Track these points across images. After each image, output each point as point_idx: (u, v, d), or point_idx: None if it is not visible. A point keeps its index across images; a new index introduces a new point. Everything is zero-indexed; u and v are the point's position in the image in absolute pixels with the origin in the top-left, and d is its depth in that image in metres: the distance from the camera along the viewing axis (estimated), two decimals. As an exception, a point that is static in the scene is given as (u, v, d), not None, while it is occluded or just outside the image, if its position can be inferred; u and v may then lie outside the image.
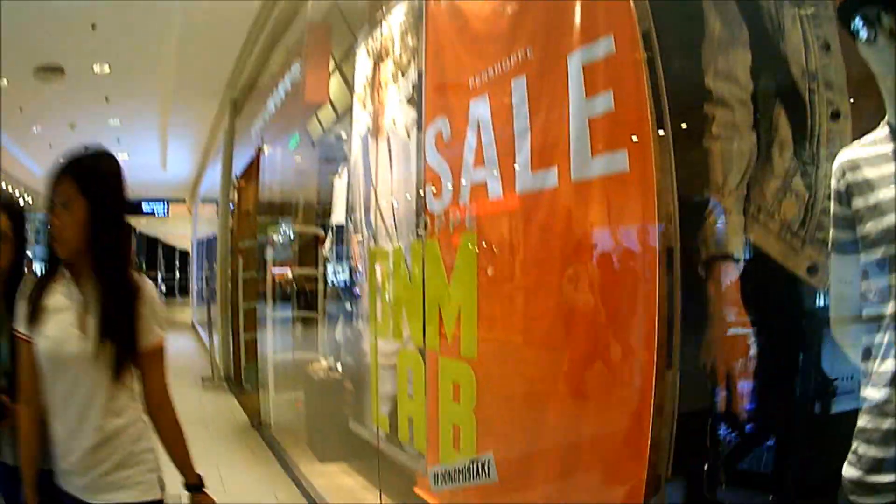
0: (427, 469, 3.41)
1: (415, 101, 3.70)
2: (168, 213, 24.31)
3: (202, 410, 8.66)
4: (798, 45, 2.27)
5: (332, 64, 5.67)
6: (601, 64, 2.24)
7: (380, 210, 4.22)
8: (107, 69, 10.08)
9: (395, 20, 4.13)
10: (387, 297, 4.05)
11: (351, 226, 5.08)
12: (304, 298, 7.15)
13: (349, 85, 5.48)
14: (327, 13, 5.75)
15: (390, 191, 4.08)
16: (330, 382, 5.84)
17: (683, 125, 2.25)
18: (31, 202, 22.33)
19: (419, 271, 3.39)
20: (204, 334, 16.09)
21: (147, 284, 2.20)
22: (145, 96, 11.92)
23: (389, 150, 4.08)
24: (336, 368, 5.85)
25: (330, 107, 5.93)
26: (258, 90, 9.04)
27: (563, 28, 2.44)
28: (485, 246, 2.85)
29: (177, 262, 52.91)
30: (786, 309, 2.39)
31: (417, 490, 3.66)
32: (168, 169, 18.28)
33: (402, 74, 3.93)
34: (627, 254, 2.24)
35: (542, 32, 2.58)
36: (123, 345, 2.07)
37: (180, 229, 33.80)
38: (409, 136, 3.79)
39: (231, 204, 10.43)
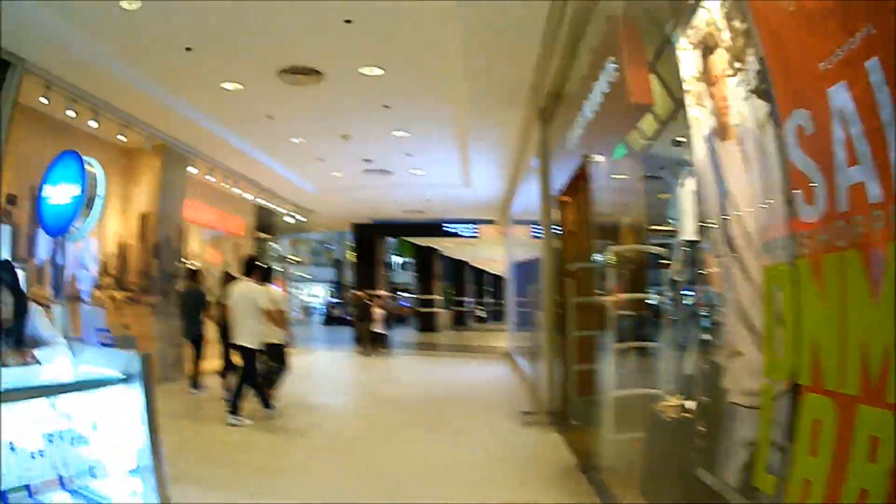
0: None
1: (762, 91, 3.52)
2: (476, 234, 25.42)
3: (521, 449, 8.62)
4: None
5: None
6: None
7: (739, 221, 4.03)
8: (377, 72, 10.27)
9: (713, 2, 4.02)
10: (768, 323, 3.68)
11: (705, 242, 4.82)
12: (645, 325, 7.03)
13: (667, 85, 5.38)
14: (626, 7, 5.62)
15: (750, 197, 3.86)
16: (676, 422, 5.52)
17: None
18: (303, 221, 24.23)
19: (818, 294, 3.08)
20: (523, 364, 16.59)
21: None
22: (435, 105, 11.96)
23: (743, 151, 3.90)
24: (686, 407, 5.68)
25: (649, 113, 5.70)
26: (567, 96, 8.95)
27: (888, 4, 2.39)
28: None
29: (486, 287, 55.11)
30: None
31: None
32: (473, 187, 18.70)
33: (740, 63, 3.76)
34: None
35: (875, 7, 2.50)
36: None
37: (490, 252, 35.12)
38: (763, 133, 3.60)
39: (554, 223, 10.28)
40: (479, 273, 52.20)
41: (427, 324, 35.76)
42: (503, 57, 9.20)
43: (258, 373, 10.12)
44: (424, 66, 10.09)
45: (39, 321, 4.20)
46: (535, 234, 13.55)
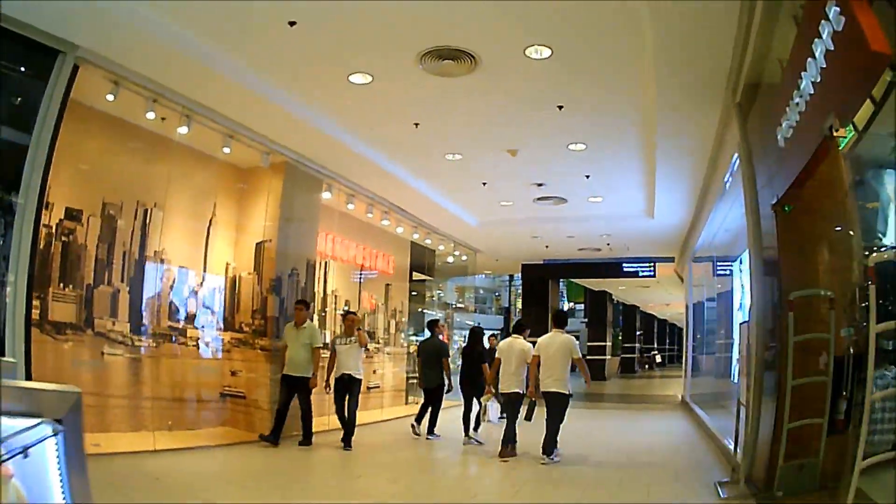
0: None
1: None
2: (653, 274, 23.06)
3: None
4: None
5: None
6: None
7: None
8: (545, 53, 8.01)
9: None
10: None
11: None
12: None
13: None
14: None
15: None
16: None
17: None
18: (464, 261, 21.71)
19: None
20: (705, 416, 14.67)
21: None
22: (617, 103, 9.65)
23: None
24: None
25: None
26: (767, 85, 7.46)
27: None
28: None
29: (656, 333, 52.44)
30: None
31: None
32: (656, 218, 16.09)
33: None
34: None
35: None
36: None
37: (663, 295, 32.80)
38: None
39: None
40: (649, 318, 50.09)
41: (595, 372, 33.21)
42: (697, 33, 7.26)
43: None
44: (603, 43, 7.89)
45: None
46: (721, 272, 13.23)
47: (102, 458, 8.30)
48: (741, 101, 8.40)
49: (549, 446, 9.92)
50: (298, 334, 10.79)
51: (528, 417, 10.62)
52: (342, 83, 8.97)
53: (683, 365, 24.20)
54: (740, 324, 9.06)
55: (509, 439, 10.28)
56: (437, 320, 13.92)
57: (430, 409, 12.37)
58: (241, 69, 8.73)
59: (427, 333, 13.16)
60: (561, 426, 10.08)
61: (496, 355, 11.07)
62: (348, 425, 10.71)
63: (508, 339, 11.02)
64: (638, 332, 46.10)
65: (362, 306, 16.40)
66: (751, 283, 8.56)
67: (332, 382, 10.87)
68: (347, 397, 10.82)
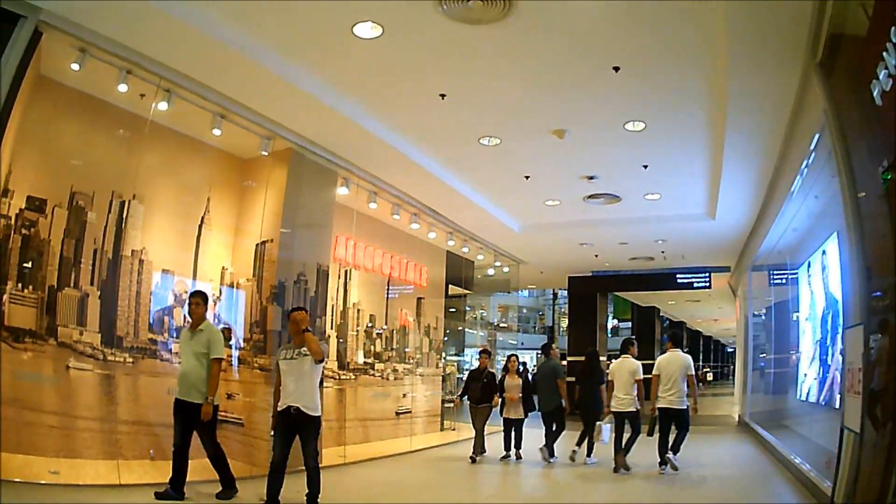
0: None
1: None
2: (708, 285, 21.13)
3: None
4: None
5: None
6: None
7: None
8: (596, 11, 6.61)
9: None
10: None
11: None
12: None
13: None
14: None
15: None
16: None
17: None
18: (506, 272, 19.84)
19: None
20: (774, 439, 13.10)
21: None
22: (684, 66, 7.91)
23: None
24: None
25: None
26: (851, 36, 6.14)
27: None
28: None
29: (700, 349, 50.52)
30: None
31: None
32: (717, 218, 14.20)
33: None
34: None
35: None
36: None
37: (711, 310, 30.85)
38: None
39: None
40: (695, 335, 48.69)
41: (644, 392, 31.34)
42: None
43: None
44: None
45: None
46: (785, 279, 13.00)
47: (54, 488, 7.02)
48: (822, 59, 7.00)
49: (675, 453, 10.71)
50: (192, 340, 7.74)
51: (650, 433, 11.07)
52: (346, 38, 7.30)
53: (738, 382, 22.48)
54: (844, 329, 7.31)
55: (625, 451, 10.85)
56: (551, 343, 13.95)
57: (550, 431, 12.26)
58: (223, 24, 7.19)
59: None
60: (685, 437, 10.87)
61: (608, 377, 11.52)
62: (311, 484, 7.05)
63: (619, 360, 11.50)
64: (685, 350, 44.37)
65: (391, 323, 14.85)
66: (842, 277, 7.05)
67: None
68: (301, 443, 7.11)
